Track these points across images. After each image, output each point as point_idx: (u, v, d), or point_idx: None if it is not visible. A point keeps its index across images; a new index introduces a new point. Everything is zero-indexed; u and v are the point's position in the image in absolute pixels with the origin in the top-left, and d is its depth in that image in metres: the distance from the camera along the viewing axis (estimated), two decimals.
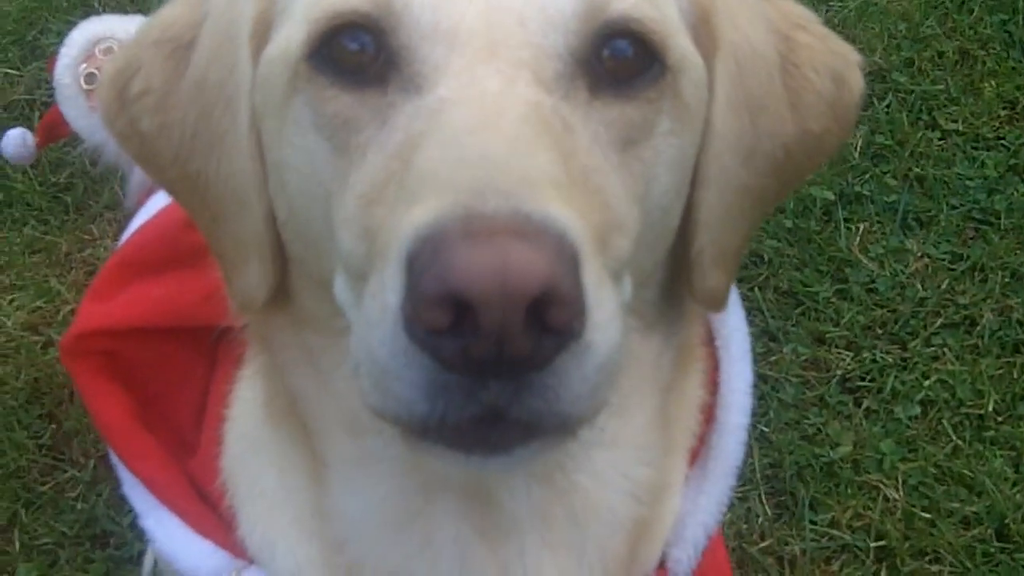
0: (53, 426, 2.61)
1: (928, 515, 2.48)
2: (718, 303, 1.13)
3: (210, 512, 1.25)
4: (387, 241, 0.84)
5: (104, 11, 2.70)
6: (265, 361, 1.19)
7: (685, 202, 1.06)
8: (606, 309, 0.84)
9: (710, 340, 1.27)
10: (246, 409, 1.24)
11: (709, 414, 1.25)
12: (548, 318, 0.78)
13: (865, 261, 2.89)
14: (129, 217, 1.65)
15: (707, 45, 1.05)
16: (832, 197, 3.00)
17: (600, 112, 0.95)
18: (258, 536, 1.20)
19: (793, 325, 2.80)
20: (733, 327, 1.29)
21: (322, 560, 1.16)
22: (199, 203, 1.10)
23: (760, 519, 2.48)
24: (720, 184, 1.06)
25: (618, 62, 0.97)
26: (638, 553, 1.17)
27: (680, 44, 1.00)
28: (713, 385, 1.26)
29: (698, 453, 1.25)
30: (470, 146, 0.85)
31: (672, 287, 1.13)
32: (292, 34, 1.00)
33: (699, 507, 1.21)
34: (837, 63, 1.14)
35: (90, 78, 1.71)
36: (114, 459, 1.32)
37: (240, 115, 1.05)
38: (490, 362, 0.79)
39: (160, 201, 1.50)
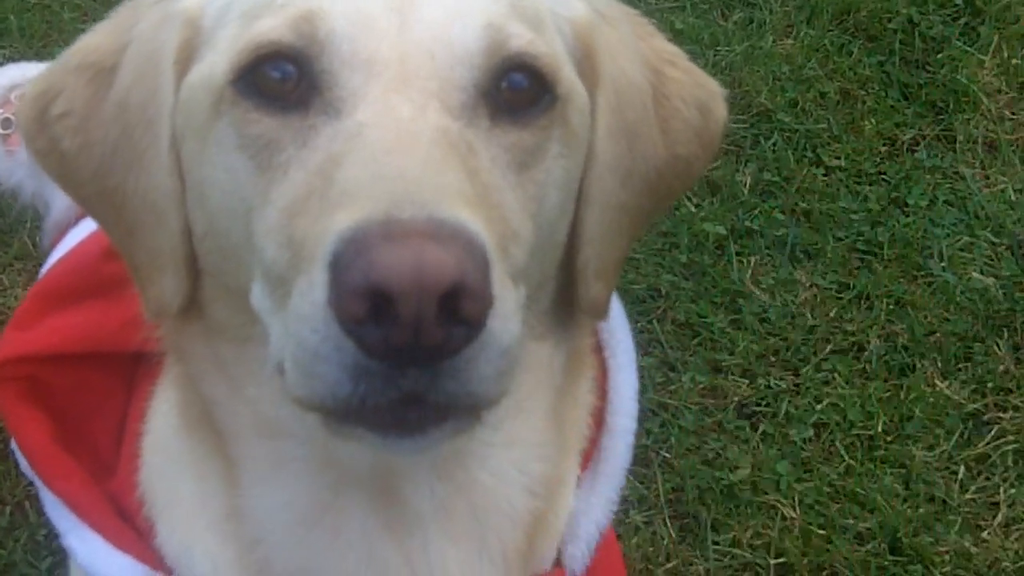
0: None
1: (824, 532, 2.56)
2: (601, 312, 1.21)
3: (129, 528, 1.27)
4: (313, 246, 0.92)
5: (18, 58, 2.68)
6: (179, 372, 1.23)
7: (571, 219, 1.14)
8: (509, 304, 0.92)
9: (599, 350, 1.33)
10: (162, 421, 1.28)
11: (599, 418, 1.31)
12: (459, 310, 0.86)
13: (757, 292, 2.99)
14: (45, 257, 1.67)
15: (590, 78, 1.13)
16: (724, 232, 3.09)
17: (499, 137, 1.03)
18: (176, 543, 1.23)
19: (691, 355, 2.87)
20: (619, 338, 1.35)
21: (237, 560, 1.20)
22: (115, 217, 1.15)
23: (665, 541, 2.55)
24: (601, 203, 1.14)
25: (515, 93, 1.05)
26: (535, 546, 1.22)
27: (568, 77, 1.09)
28: (602, 391, 1.32)
29: (590, 455, 1.30)
30: (387, 164, 0.93)
31: (563, 298, 1.20)
32: (217, 61, 1.06)
33: (591, 506, 1.27)
34: (702, 95, 1.23)
35: (6, 123, 1.73)
36: (37, 481, 1.34)
37: (161, 135, 1.10)
38: (408, 350, 0.87)
39: (78, 234, 1.53)
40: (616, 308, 1.29)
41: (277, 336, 0.98)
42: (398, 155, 0.93)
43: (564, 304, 1.21)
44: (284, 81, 1.03)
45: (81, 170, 1.14)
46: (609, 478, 1.29)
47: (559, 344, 1.21)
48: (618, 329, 1.35)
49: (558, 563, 1.25)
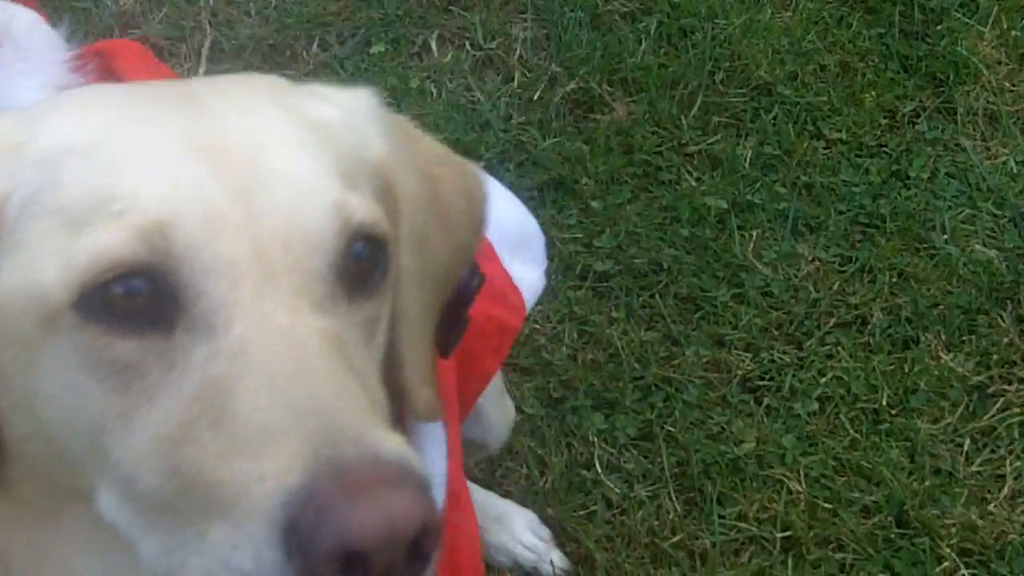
0: None
1: (830, 505, 2.55)
2: (434, 414, 1.18)
3: None
4: (238, 495, 0.84)
5: None
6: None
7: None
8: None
9: None
10: None
11: None
12: (422, 548, 0.85)
13: (759, 266, 2.97)
14: None
15: (392, 209, 1.08)
16: (725, 206, 3.07)
17: (354, 315, 0.98)
18: None
19: (694, 329, 2.86)
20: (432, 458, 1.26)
21: None
22: None
23: (671, 515, 2.54)
24: (410, 315, 1.11)
25: (360, 265, 0.99)
26: None
27: (391, 232, 1.04)
28: None
29: None
30: (292, 392, 0.87)
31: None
32: (41, 276, 0.92)
33: None
34: (465, 183, 1.23)
35: None
36: None
37: None
38: None
39: None
40: (437, 441, 1.25)
41: (157, 555, 0.91)
42: (297, 378, 0.88)
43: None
44: (134, 298, 0.91)
45: None
46: None
47: None
48: (433, 456, 1.26)
49: None
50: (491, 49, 3.38)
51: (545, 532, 2.50)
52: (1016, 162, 3.24)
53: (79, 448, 0.94)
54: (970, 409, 2.74)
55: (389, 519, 0.82)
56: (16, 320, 0.93)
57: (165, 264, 0.90)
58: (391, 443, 0.87)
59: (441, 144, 1.26)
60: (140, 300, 0.91)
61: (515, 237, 1.90)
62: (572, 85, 3.30)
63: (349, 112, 1.11)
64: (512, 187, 2.15)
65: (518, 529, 2.47)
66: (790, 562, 2.47)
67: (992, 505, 2.58)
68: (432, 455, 1.23)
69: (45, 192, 0.93)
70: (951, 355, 2.84)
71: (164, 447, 0.88)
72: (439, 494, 1.21)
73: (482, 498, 2.43)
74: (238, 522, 0.84)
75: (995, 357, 2.83)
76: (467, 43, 3.40)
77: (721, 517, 2.54)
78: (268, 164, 0.96)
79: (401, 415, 1.16)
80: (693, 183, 3.13)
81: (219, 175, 0.94)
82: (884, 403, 2.74)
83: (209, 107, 1.00)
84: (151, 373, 0.90)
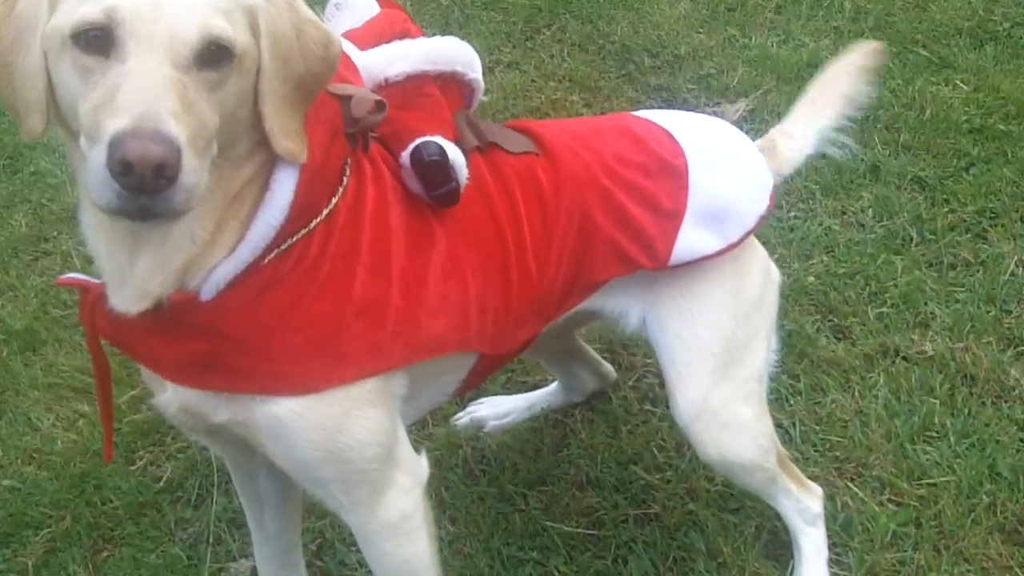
0: None
1: None
2: (296, 157, 1.76)
3: None
4: (103, 132, 1.51)
5: None
6: (70, 155, 1.78)
7: (250, 105, 1.72)
8: (192, 169, 1.53)
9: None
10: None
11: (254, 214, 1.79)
12: (163, 172, 1.48)
13: None
14: None
15: (255, 30, 1.70)
16: None
17: (201, 76, 1.61)
18: (91, 249, 1.81)
19: None
20: (282, 179, 1.78)
21: (91, 250, 1.81)
22: (8, 83, 1.68)
23: None
24: (271, 94, 1.72)
25: (212, 54, 1.62)
26: (188, 272, 1.75)
27: (242, 42, 1.67)
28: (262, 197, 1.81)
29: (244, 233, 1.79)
30: (139, 95, 1.53)
31: (261, 147, 1.76)
32: (63, 20, 1.61)
33: (229, 262, 1.75)
34: (324, 39, 1.78)
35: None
36: None
37: (36, 39, 1.65)
38: (139, 188, 1.49)
39: None
40: (284, 177, 1.78)
41: (88, 165, 1.56)
42: (144, 91, 1.54)
43: (262, 151, 1.78)
44: (96, 39, 1.58)
45: None
46: (247, 245, 1.76)
47: (257, 169, 1.77)
48: (284, 177, 1.78)
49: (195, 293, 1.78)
50: None
51: None
52: None
53: (69, 110, 1.63)
54: None
55: (144, 150, 1.47)
56: (54, 42, 1.62)
57: (111, 26, 1.57)
58: (168, 127, 1.51)
59: (318, 20, 1.82)
60: (97, 40, 1.57)
61: (715, 207, 2.19)
62: None
63: None
64: None
65: None
66: None
67: None
68: (281, 177, 1.78)
69: None
70: None
71: (92, 110, 1.55)
72: (281, 208, 1.77)
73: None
74: (101, 145, 1.50)
75: None
76: None
77: None
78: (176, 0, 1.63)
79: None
80: None
81: None
82: None
83: None
84: (95, 74, 1.57)
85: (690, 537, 2.62)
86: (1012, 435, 2.79)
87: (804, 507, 2.48)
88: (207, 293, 1.76)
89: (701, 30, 4.37)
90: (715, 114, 3.80)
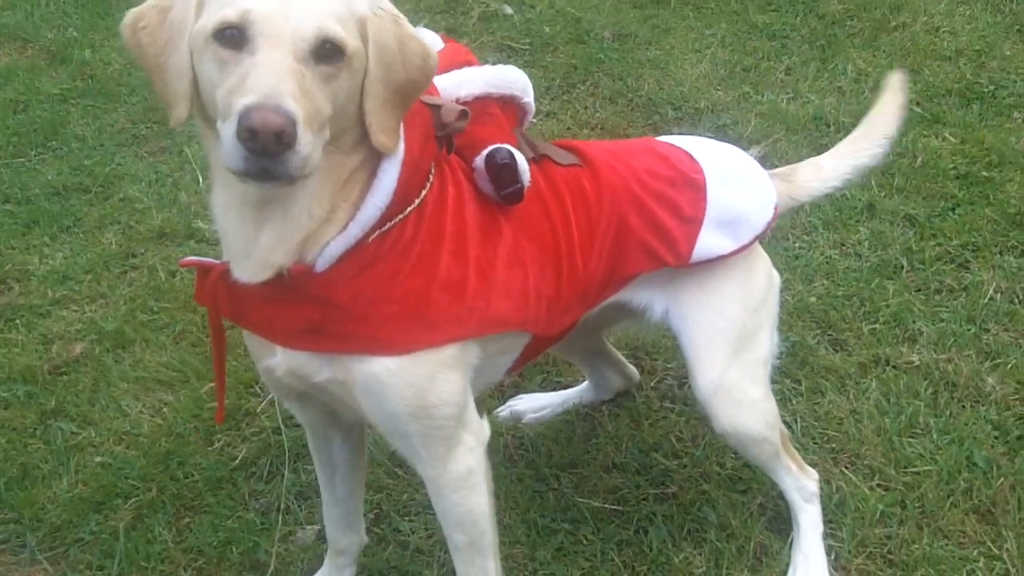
0: None
1: None
2: (389, 151, 2.01)
3: None
4: (234, 108, 1.77)
5: None
6: (206, 144, 2.05)
7: (358, 103, 1.96)
8: (306, 141, 1.78)
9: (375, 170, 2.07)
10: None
11: (367, 191, 2.05)
12: (282, 139, 1.74)
13: None
14: None
15: (364, 40, 1.95)
16: None
17: (318, 70, 1.86)
18: (220, 229, 2.08)
19: None
20: (385, 168, 2.04)
21: (219, 229, 2.08)
22: (161, 79, 1.95)
23: None
24: (373, 94, 1.96)
25: (328, 52, 1.87)
26: (306, 246, 2.00)
27: (353, 44, 1.91)
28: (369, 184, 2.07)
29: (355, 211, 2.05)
30: (265, 80, 1.78)
31: (366, 139, 2.00)
32: (207, 22, 1.87)
33: (342, 238, 2.01)
34: (424, 53, 2.03)
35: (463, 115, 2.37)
36: None
37: (185, 41, 1.92)
38: (263, 151, 1.75)
39: None
40: (391, 167, 2.04)
41: (221, 138, 1.81)
42: (269, 76, 1.79)
43: (366, 142, 2.02)
44: (232, 36, 1.84)
45: (148, 54, 1.95)
46: (357, 223, 2.02)
47: (364, 158, 2.03)
48: (390, 166, 2.04)
49: (311, 265, 2.03)
50: None
51: None
52: None
53: (209, 98, 1.89)
54: None
55: (266, 120, 1.72)
56: (198, 41, 1.88)
57: (244, 25, 1.83)
58: (287, 104, 1.76)
59: (419, 37, 2.08)
60: (232, 37, 1.83)
61: (729, 215, 2.51)
62: None
63: None
64: None
65: None
66: None
67: None
68: (387, 167, 2.03)
69: None
70: None
71: (226, 93, 1.80)
72: (387, 193, 2.03)
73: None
74: (232, 118, 1.75)
75: None
76: None
77: None
78: (299, 3, 1.87)
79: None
80: None
81: (276, 1, 1.86)
82: None
83: None
84: (230, 65, 1.83)
85: (703, 512, 2.88)
86: (987, 433, 3.04)
87: (802, 485, 2.75)
88: (321, 265, 2.01)
89: (719, 88, 4.69)
90: None
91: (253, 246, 2.00)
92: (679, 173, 2.52)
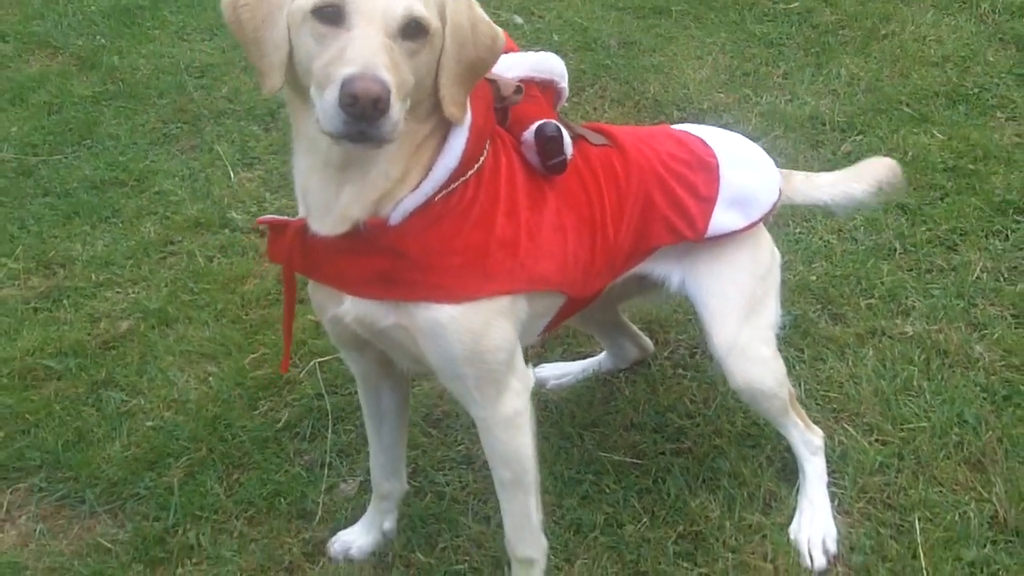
0: None
1: None
2: (457, 120, 2.23)
3: None
4: (335, 76, 1.97)
5: None
6: (294, 112, 2.27)
7: (434, 76, 2.18)
8: (396, 108, 1.99)
9: (444, 137, 2.30)
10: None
11: (437, 155, 2.28)
12: (379, 104, 1.95)
13: None
14: None
15: (443, 20, 2.17)
16: None
17: (404, 45, 2.07)
18: (300, 190, 2.32)
19: None
20: (457, 133, 2.28)
21: (300, 189, 2.31)
22: (258, 51, 2.14)
23: None
24: (447, 69, 2.18)
25: (413, 30, 2.08)
26: (382, 202, 2.23)
27: (435, 24, 2.12)
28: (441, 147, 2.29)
29: (428, 171, 2.27)
30: (362, 52, 1.98)
31: (437, 109, 2.22)
32: (306, 1, 2.06)
33: (415, 195, 2.25)
34: (494, 34, 2.26)
35: (518, 90, 2.60)
36: None
37: (283, 15, 2.12)
38: (362, 115, 1.95)
39: None
40: (460, 133, 2.28)
41: (319, 105, 2.02)
42: (367, 49, 1.99)
43: (437, 112, 2.24)
44: (330, 13, 2.04)
45: (247, 28, 2.15)
46: (430, 182, 2.25)
47: (423, 126, 2.24)
48: (459, 133, 2.28)
49: (385, 219, 2.25)
50: None
51: None
52: None
53: (304, 68, 2.09)
54: None
55: (367, 87, 1.92)
56: (296, 17, 2.08)
57: (342, 4, 2.03)
58: (383, 74, 1.95)
59: (489, 20, 2.28)
60: (330, 14, 2.03)
61: (740, 195, 2.77)
62: None
63: None
64: None
65: None
66: None
67: None
68: (457, 132, 2.27)
69: None
70: None
71: (324, 64, 2.01)
72: (456, 156, 2.26)
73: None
74: (333, 84, 1.96)
75: None
76: None
77: None
78: None
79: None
80: None
81: None
82: None
83: None
84: (328, 38, 2.03)
85: (717, 463, 3.10)
86: (976, 394, 3.27)
87: (808, 439, 2.99)
88: (395, 219, 2.23)
89: (720, 91, 4.94)
90: None
91: (334, 203, 2.22)
92: (695, 156, 2.77)
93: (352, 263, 2.28)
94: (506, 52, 2.55)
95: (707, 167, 2.77)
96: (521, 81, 2.52)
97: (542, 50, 2.66)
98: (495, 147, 2.41)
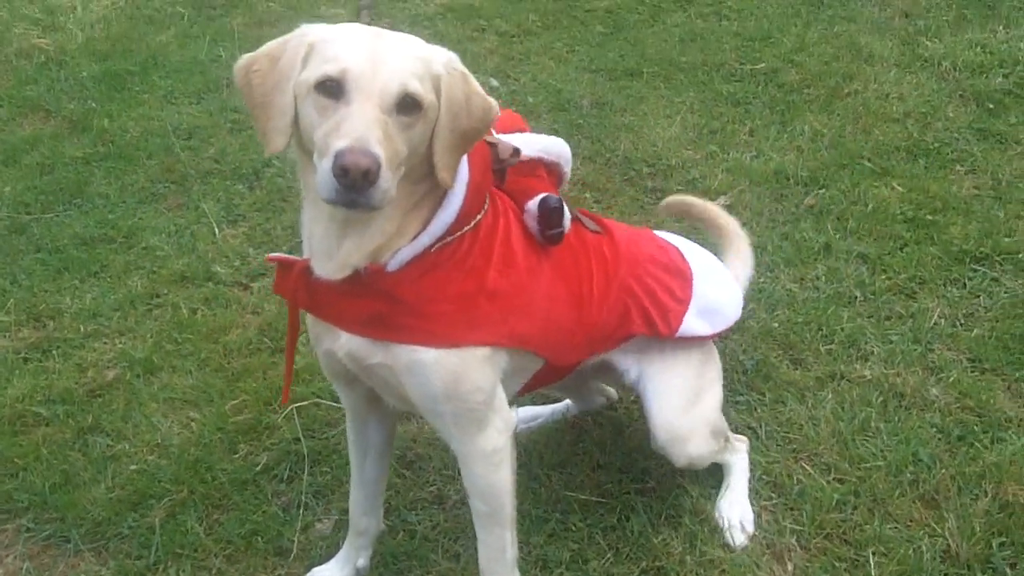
0: None
1: None
2: (448, 185, 2.37)
3: None
4: (331, 148, 2.13)
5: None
6: (302, 170, 2.40)
7: (428, 145, 2.30)
8: (387, 178, 2.15)
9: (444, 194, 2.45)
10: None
11: (435, 211, 2.43)
12: (368, 176, 2.10)
13: None
14: None
15: (437, 94, 2.29)
16: None
17: (399, 119, 2.21)
18: (306, 235, 2.48)
19: None
20: (452, 196, 2.44)
21: (306, 234, 2.48)
22: (265, 115, 2.29)
23: None
24: (441, 139, 2.31)
25: (408, 105, 2.22)
26: (380, 252, 2.39)
27: (429, 99, 2.25)
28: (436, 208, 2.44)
29: (424, 226, 2.42)
30: (357, 126, 2.13)
31: (431, 175, 2.36)
32: (311, 75, 2.22)
33: (411, 247, 2.40)
34: (486, 106, 2.39)
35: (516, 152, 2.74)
36: None
37: (290, 85, 2.26)
38: (352, 187, 2.12)
39: None
40: (458, 190, 2.43)
41: (318, 172, 2.17)
42: (360, 124, 2.13)
43: (431, 176, 2.37)
44: (332, 88, 2.19)
45: (257, 93, 2.30)
46: (427, 235, 2.40)
47: (419, 187, 2.38)
48: (456, 192, 2.43)
49: (383, 266, 2.40)
50: None
51: None
52: None
53: (307, 137, 2.24)
54: None
55: (357, 161, 2.08)
56: (302, 89, 2.23)
57: (342, 80, 2.17)
58: (374, 148, 2.10)
59: (483, 93, 2.40)
60: (331, 88, 2.18)
61: (708, 306, 3.02)
62: None
63: (434, 57, 2.32)
64: None
65: None
66: None
67: None
68: (456, 190, 2.42)
69: (317, 50, 2.26)
70: None
71: (324, 135, 2.16)
72: (454, 211, 2.42)
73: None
74: (328, 156, 2.11)
75: None
76: None
77: None
78: (387, 64, 2.21)
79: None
80: None
81: (369, 61, 2.20)
82: None
83: (383, 40, 2.27)
84: (328, 111, 2.18)
85: (679, 500, 3.21)
86: (931, 434, 3.37)
87: (735, 448, 3.25)
88: (392, 266, 2.38)
89: (688, 148, 5.09)
90: None
91: (335, 251, 2.38)
92: (673, 263, 3.01)
93: (351, 304, 2.43)
94: (518, 131, 2.77)
95: (683, 275, 3.01)
96: (532, 159, 2.70)
97: (517, 111, 2.86)
98: (495, 208, 2.57)
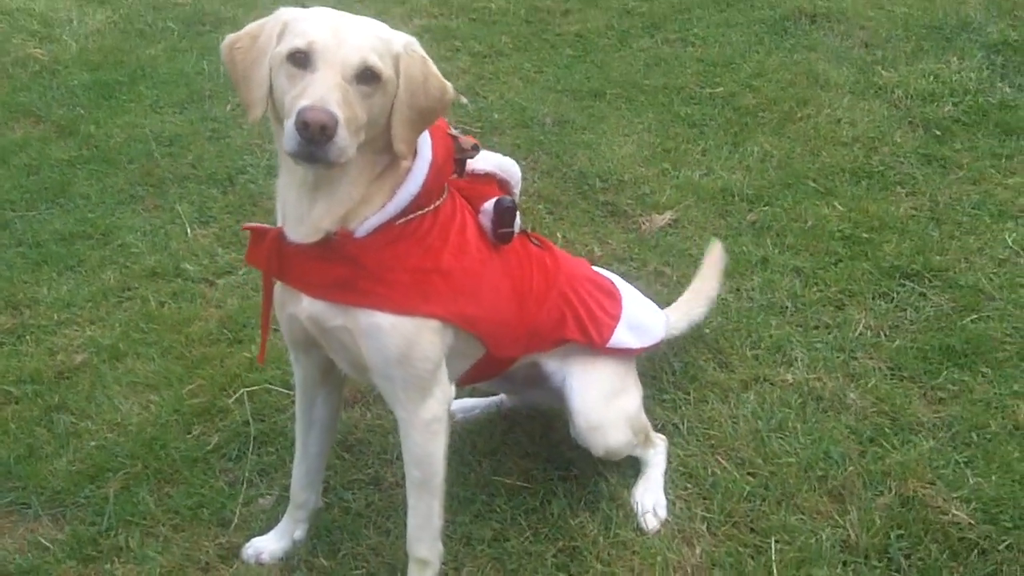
0: None
1: None
2: (404, 156, 2.59)
3: None
4: (295, 107, 2.35)
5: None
6: (277, 139, 2.58)
7: (387, 118, 2.52)
8: (345, 136, 2.37)
9: (405, 173, 2.66)
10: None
11: (400, 184, 2.65)
12: (326, 131, 2.34)
13: None
14: None
15: (396, 71, 2.51)
16: None
17: (359, 89, 2.43)
18: (280, 202, 2.70)
19: None
20: (419, 164, 2.67)
21: (280, 202, 2.71)
22: (246, 86, 2.52)
23: None
24: (399, 113, 2.53)
25: (367, 76, 2.45)
26: (347, 218, 2.60)
27: (387, 73, 2.47)
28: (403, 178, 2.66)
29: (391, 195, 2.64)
30: (319, 90, 2.36)
31: (389, 145, 2.56)
32: (283, 48, 2.45)
33: (378, 215, 2.62)
34: (442, 87, 2.61)
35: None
36: None
37: (267, 60, 2.50)
38: (312, 139, 2.35)
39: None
40: (422, 161, 2.67)
41: (285, 129, 2.39)
42: (322, 87, 2.36)
43: (390, 147, 2.58)
44: (300, 60, 2.42)
45: (239, 67, 2.54)
46: (393, 204, 2.64)
47: (381, 157, 2.60)
48: (421, 167, 2.67)
49: (352, 232, 2.60)
50: None
51: None
52: None
53: (279, 104, 2.47)
54: None
55: (315, 116, 2.31)
56: (276, 61, 2.47)
57: (309, 51, 2.40)
58: (333, 108, 2.33)
59: (440, 76, 2.61)
60: (300, 59, 2.42)
61: (636, 323, 3.35)
62: None
63: (394, 39, 2.54)
64: None
65: None
66: None
67: None
68: (420, 164, 2.65)
69: (289, 27, 2.50)
70: None
71: (292, 98, 2.39)
72: (418, 184, 2.65)
73: None
74: (293, 113, 2.35)
75: None
76: None
77: None
78: (350, 39, 2.44)
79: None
80: None
81: (334, 36, 2.43)
82: None
83: (349, 20, 2.51)
84: (296, 79, 2.42)
85: (598, 487, 3.39)
86: (844, 435, 3.54)
87: (652, 443, 3.46)
88: (360, 232, 2.60)
89: (642, 165, 5.27)
90: (647, 221, 4.81)
91: (307, 215, 2.60)
92: (605, 285, 3.34)
93: (318, 268, 2.65)
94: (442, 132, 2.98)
95: (613, 296, 3.33)
96: (487, 173, 2.96)
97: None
98: (454, 203, 2.81)
